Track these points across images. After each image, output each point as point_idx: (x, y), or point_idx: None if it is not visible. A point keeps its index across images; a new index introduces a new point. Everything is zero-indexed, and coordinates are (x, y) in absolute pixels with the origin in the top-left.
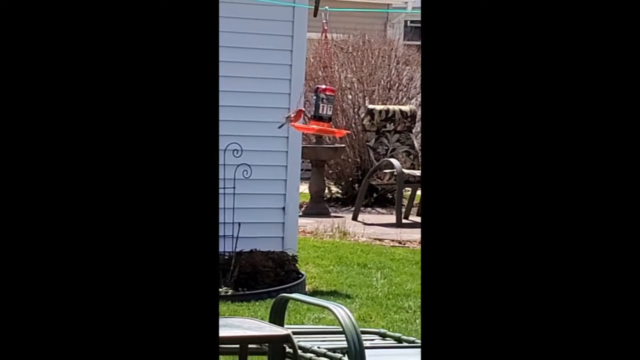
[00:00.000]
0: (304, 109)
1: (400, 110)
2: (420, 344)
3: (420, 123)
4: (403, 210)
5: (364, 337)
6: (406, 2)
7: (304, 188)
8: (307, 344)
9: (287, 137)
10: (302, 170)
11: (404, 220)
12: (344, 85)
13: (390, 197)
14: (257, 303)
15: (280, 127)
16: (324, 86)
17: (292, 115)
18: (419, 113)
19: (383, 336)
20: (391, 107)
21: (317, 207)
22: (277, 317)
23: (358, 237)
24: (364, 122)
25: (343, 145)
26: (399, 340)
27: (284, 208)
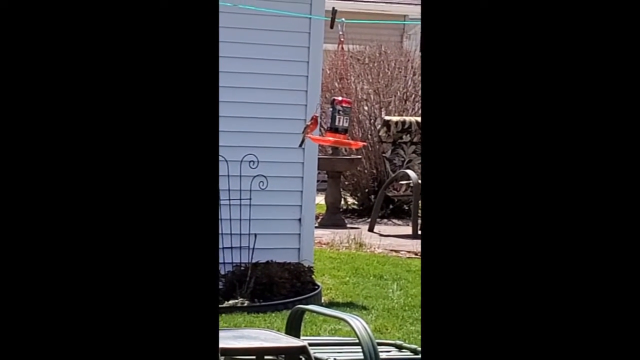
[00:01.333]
0: (317, 115)
1: (417, 122)
2: None
3: None
4: (419, 221)
5: (380, 348)
6: None
7: (320, 199)
8: (324, 356)
9: (304, 149)
10: (318, 181)
11: (420, 232)
12: (360, 97)
13: (407, 208)
14: (273, 314)
15: (301, 144)
16: (340, 98)
17: (309, 124)
18: None
19: (399, 348)
20: (407, 118)
21: (333, 218)
22: (293, 329)
23: (374, 248)
24: (380, 134)
25: (359, 156)
26: (415, 352)
27: (300, 219)
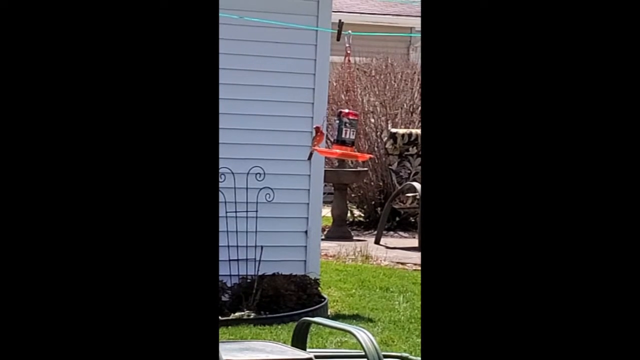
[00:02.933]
0: (320, 126)
1: None
2: None
3: None
4: None
5: None
6: None
7: (327, 212)
8: None
9: (310, 161)
10: (324, 193)
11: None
12: (366, 109)
13: (413, 220)
14: (279, 326)
15: (309, 157)
16: (346, 110)
17: (315, 136)
18: None
19: None
20: (414, 130)
21: (339, 230)
22: (299, 341)
23: (380, 260)
24: (386, 146)
25: (365, 168)
26: None
27: (306, 231)
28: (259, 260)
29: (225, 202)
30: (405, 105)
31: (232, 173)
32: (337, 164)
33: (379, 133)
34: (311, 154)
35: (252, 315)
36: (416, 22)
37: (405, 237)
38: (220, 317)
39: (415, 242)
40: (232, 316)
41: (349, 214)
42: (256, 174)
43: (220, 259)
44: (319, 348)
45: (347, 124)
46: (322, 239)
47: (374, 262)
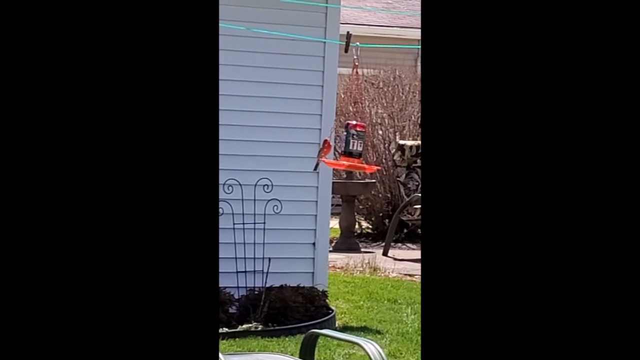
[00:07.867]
0: (328, 139)
1: None
2: None
3: None
4: None
5: None
6: None
7: (334, 223)
8: None
9: (318, 173)
10: (332, 205)
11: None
12: (374, 121)
13: (421, 232)
14: (287, 339)
15: (315, 168)
16: (354, 122)
17: (322, 148)
18: None
19: None
20: None
21: (347, 242)
22: (307, 353)
23: (388, 272)
24: (394, 158)
25: (373, 180)
26: None
27: (314, 243)
28: (267, 272)
29: (233, 214)
30: (413, 117)
31: (240, 185)
32: (345, 176)
33: (387, 145)
34: (317, 165)
35: (260, 327)
36: None
37: (413, 249)
38: (227, 329)
39: None
40: (239, 328)
41: (356, 226)
42: (264, 185)
43: (227, 270)
44: None
45: (354, 136)
46: (330, 251)
47: (382, 274)
